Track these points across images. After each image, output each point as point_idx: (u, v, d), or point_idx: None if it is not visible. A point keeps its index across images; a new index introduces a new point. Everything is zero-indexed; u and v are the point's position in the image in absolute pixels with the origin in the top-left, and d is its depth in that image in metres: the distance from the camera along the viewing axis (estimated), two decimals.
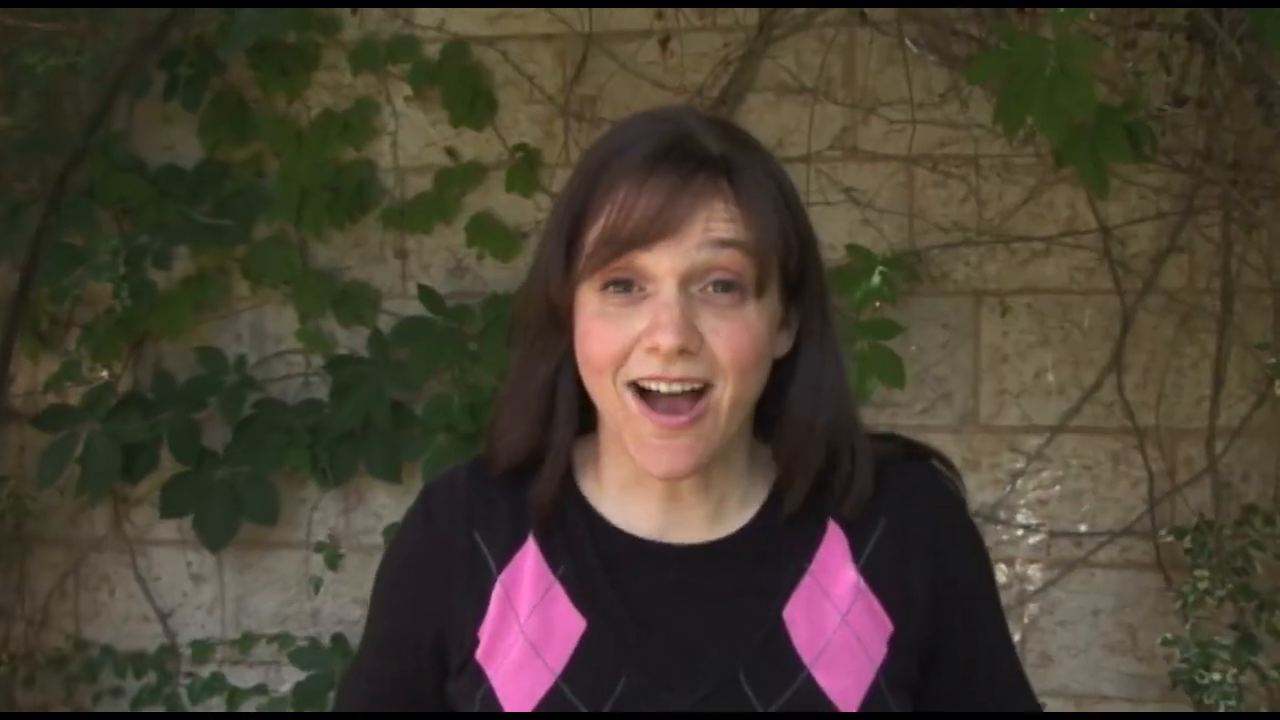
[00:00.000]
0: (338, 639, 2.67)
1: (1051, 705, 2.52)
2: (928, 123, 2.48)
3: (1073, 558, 2.50)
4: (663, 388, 0.98)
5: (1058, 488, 2.51)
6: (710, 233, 0.97)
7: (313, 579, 2.64)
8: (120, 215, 2.66)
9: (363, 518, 2.73)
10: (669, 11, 2.49)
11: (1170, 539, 2.38)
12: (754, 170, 1.01)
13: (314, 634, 2.72)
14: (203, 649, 2.76)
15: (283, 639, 2.71)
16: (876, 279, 2.42)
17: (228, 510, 2.61)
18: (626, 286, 0.98)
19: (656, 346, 0.96)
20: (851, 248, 2.44)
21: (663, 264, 0.97)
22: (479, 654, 1.04)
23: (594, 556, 1.05)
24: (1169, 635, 2.31)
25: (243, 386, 2.63)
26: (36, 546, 2.79)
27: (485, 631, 1.04)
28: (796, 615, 1.03)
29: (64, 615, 2.83)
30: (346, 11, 2.60)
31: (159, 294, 2.62)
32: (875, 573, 1.05)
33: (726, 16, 2.52)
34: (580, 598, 1.03)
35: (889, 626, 1.04)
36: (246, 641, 2.74)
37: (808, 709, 1.00)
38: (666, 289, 0.97)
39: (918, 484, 1.09)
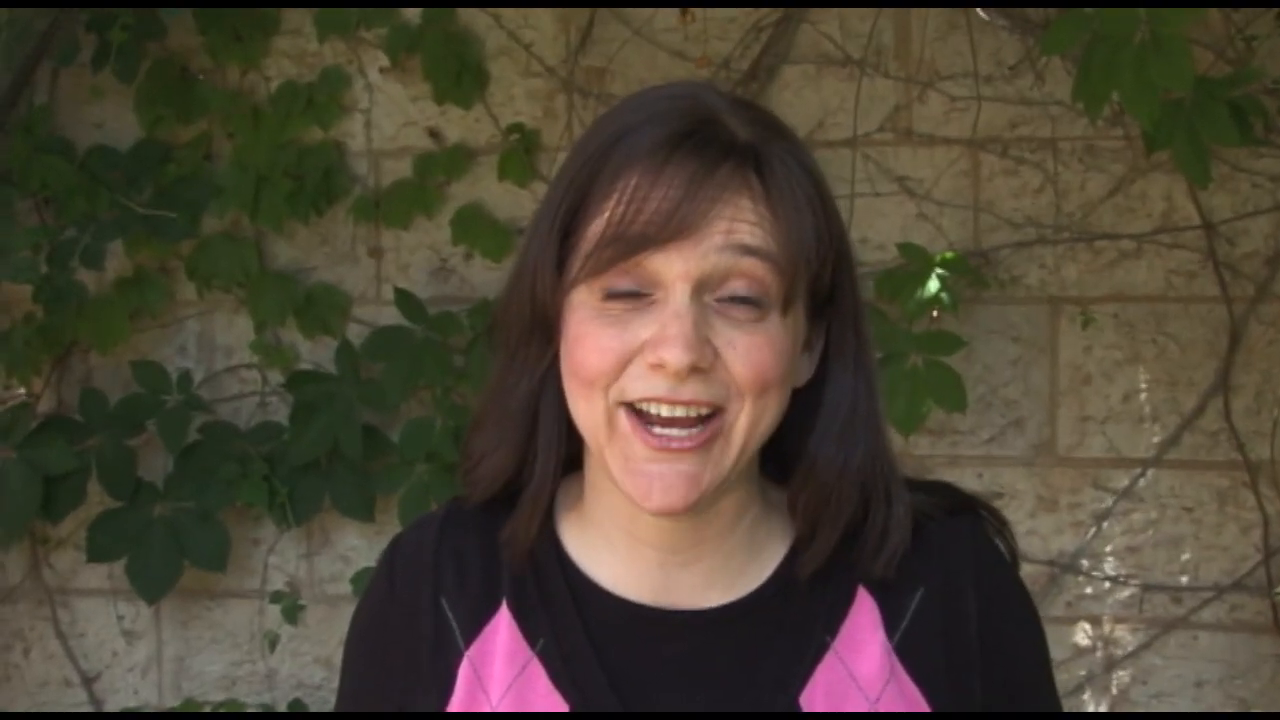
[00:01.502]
0: (295, 705, 2.37)
1: None
2: (996, 100, 2.24)
3: (1171, 617, 2.22)
4: (664, 410, 0.88)
5: (1152, 532, 2.23)
6: (733, 235, 0.88)
7: (268, 634, 2.39)
8: (42, 204, 2.41)
9: (328, 562, 2.45)
10: None
11: None
12: (787, 162, 0.91)
13: (268, 700, 2.44)
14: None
15: (231, 705, 2.43)
16: (934, 283, 2.19)
17: (168, 554, 2.34)
18: (630, 294, 0.89)
19: (663, 363, 0.86)
20: (905, 247, 2.22)
21: (675, 267, 0.88)
22: None
23: (578, 627, 0.96)
24: None
25: (187, 407, 2.38)
26: None
27: (452, 711, 0.96)
28: (816, 700, 0.94)
29: None
30: None
31: (88, 298, 2.38)
32: (911, 649, 0.96)
33: None
34: (562, 678, 0.94)
35: (925, 709, 0.96)
36: (188, 709, 2.44)
37: None
38: (678, 296, 0.87)
39: (962, 544, 0.99)
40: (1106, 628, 2.23)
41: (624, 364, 0.89)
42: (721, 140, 0.89)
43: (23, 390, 2.41)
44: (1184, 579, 2.20)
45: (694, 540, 0.95)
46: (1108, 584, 2.22)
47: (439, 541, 0.99)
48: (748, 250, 0.88)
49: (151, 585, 2.33)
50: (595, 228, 0.89)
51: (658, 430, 0.89)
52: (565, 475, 0.98)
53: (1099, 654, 2.22)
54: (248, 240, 2.40)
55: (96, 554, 2.35)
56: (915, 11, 2.27)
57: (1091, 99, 1.89)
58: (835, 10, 2.29)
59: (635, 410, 0.89)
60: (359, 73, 2.39)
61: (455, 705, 0.95)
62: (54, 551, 2.49)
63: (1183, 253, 2.18)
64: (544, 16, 2.35)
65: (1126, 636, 2.22)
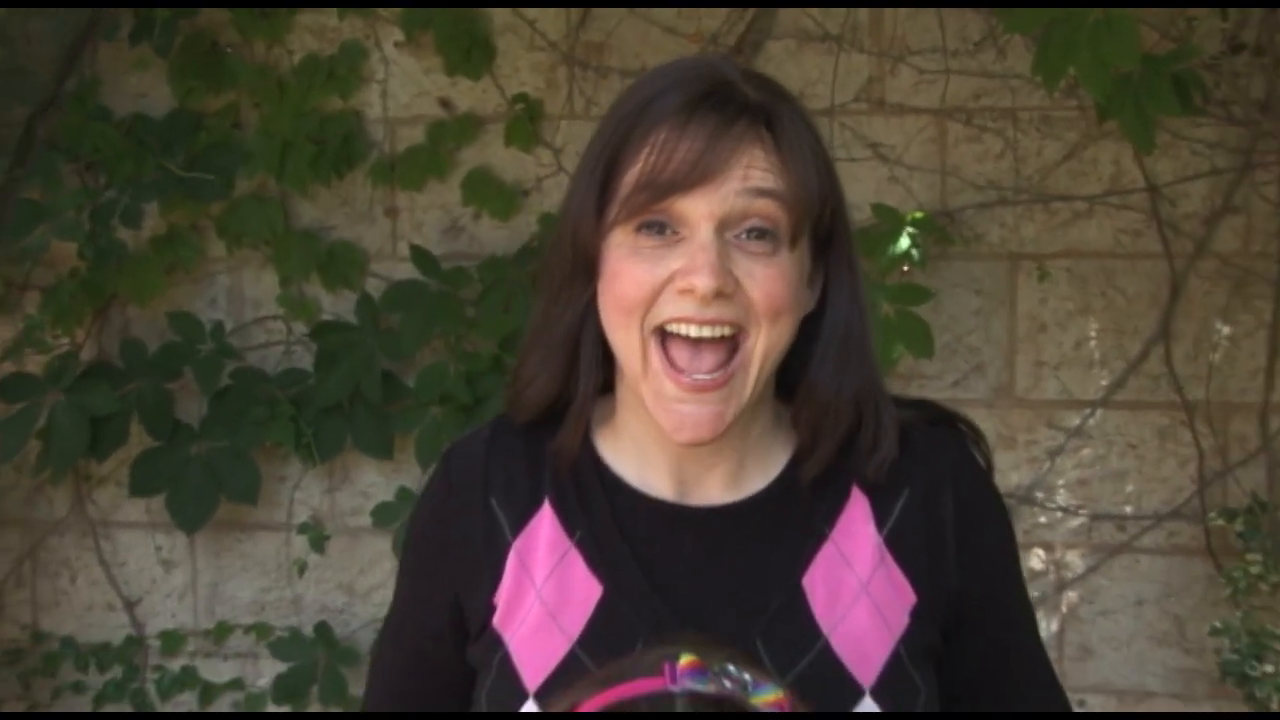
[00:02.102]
0: (321, 628, 2.57)
1: (1092, 702, 2.43)
2: (961, 73, 2.41)
3: (1116, 543, 2.43)
4: (693, 331, 1.00)
5: (1099, 467, 2.44)
6: (749, 180, 1.00)
7: (296, 563, 2.58)
8: (84, 169, 2.55)
9: (349, 497, 2.64)
10: None
11: (1221, 522, 2.33)
12: (793, 119, 1.03)
13: (295, 623, 2.64)
14: (173, 640, 2.66)
15: (260, 629, 2.63)
16: (904, 241, 2.36)
17: (204, 489, 2.53)
18: (661, 229, 1.01)
19: (692, 288, 0.98)
20: (878, 207, 2.39)
21: (700, 208, 0.99)
22: (495, 620, 1.07)
23: (610, 520, 1.07)
24: (1218, 624, 2.24)
25: (220, 355, 2.54)
26: None
27: (501, 598, 1.07)
28: (816, 582, 1.05)
29: (20, 604, 2.74)
30: None
31: (127, 255, 2.54)
32: (898, 541, 1.07)
33: None
34: (597, 563, 1.05)
35: (911, 597, 1.06)
36: (221, 632, 2.66)
37: (824, 678, 1.02)
38: (703, 233, 0.99)
39: (944, 451, 1.11)
40: (1059, 553, 2.44)
41: (657, 293, 1.00)
42: (737, 100, 1.01)
43: (68, 340, 2.57)
44: (1128, 509, 2.41)
45: (711, 450, 1.06)
46: (1059, 514, 2.42)
47: (488, 452, 1.11)
48: (762, 192, 0.99)
49: (189, 518, 2.52)
50: (630, 177, 1.01)
51: (686, 372, 1.00)
52: (600, 396, 1.09)
53: (1051, 577, 2.43)
54: (274, 201, 2.56)
55: (138, 489, 2.54)
56: None
57: (1049, 73, 2.06)
58: None
59: (665, 336, 1.01)
60: (376, 47, 2.54)
61: (504, 592, 1.07)
62: (97, 488, 2.68)
63: (1130, 213, 2.37)
64: None
65: (1076, 561, 2.43)
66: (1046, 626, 2.43)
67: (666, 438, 1.03)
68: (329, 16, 2.54)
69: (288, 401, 2.50)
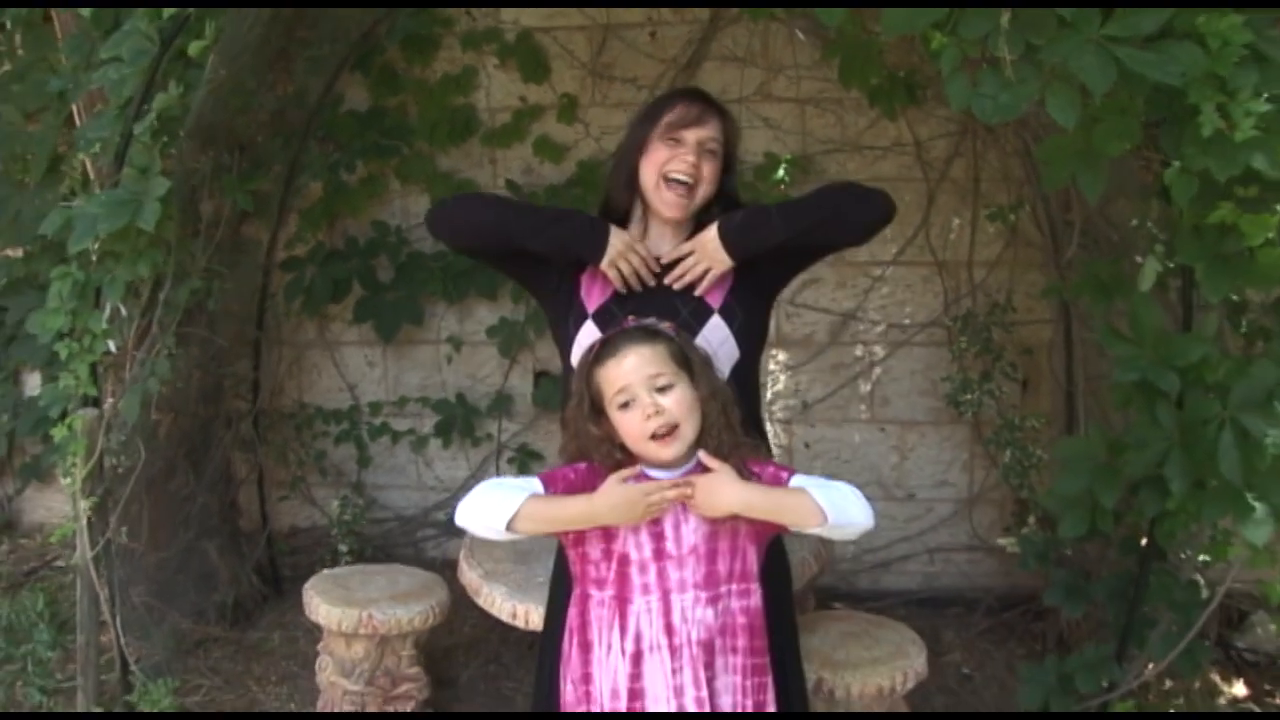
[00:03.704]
0: (459, 396, 4.56)
1: (890, 429, 4.37)
2: (810, 78, 4.26)
3: (900, 339, 4.32)
4: (684, 177, 2.35)
5: (891, 298, 4.33)
6: (710, 130, 2.37)
7: (447, 353, 4.52)
8: (320, 140, 4.49)
9: (472, 324, 4.59)
10: (654, 11, 4.27)
11: (950, 324, 4.20)
12: (727, 112, 2.45)
13: (443, 395, 4.61)
14: (375, 406, 4.64)
15: (424, 399, 4.59)
16: (781, 171, 4.23)
17: (393, 318, 4.48)
18: (675, 142, 2.35)
19: (684, 161, 2.36)
20: (767, 154, 4.24)
21: (693, 136, 2.36)
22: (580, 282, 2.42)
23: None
24: (946, 375, 4.14)
25: (400, 244, 4.49)
26: (275, 346, 4.67)
27: (584, 278, 2.39)
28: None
29: (291, 388, 4.72)
30: (460, 11, 4.40)
31: (347, 188, 4.46)
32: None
33: (690, 14, 4.30)
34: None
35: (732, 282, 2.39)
36: (402, 401, 4.62)
37: (699, 312, 2.33)
38: (692, 143, 2.36)
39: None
40: (870, 346, 4.34)
41: (669, 161, 2.31)
42: (707, 100, 2.39)
43: (315, 237, 4.55)
44: (907, 320, 4.31)
45: (674, 230, 2.38)
46: (869, 325, 4.35)
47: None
48: (713, 137, 2.34)
49: (386, 334, 4.48)
50: (667, 119, 2.33)
51: (675, 191, 2.31)
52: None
53: (865, 360, 4.34)
54: (427, 158, 4.48)
55: (358, 318, 4.48)
56: (771, 32, 4.32)
57: (847, 81, 3.98)
58: (730, 31, 4.33)
59: (666, 180, 2.32)
60: (482, 68, 4.42)
61: (585, 280, 2.37)
62: (333, 322, 4.66)
63: (905, 156, 4.20)
64: (579, 36, 4.40)
65: (880, 351, 4.33)
66: (863, 389, 4.38)
67: (662, 220, 2.38)
68: (456, 52, 4.45)
69: (439, 269, 4.45)
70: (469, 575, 3.05)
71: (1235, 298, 2.92)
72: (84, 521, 3.01)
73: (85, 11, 3.30)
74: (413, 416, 4.65)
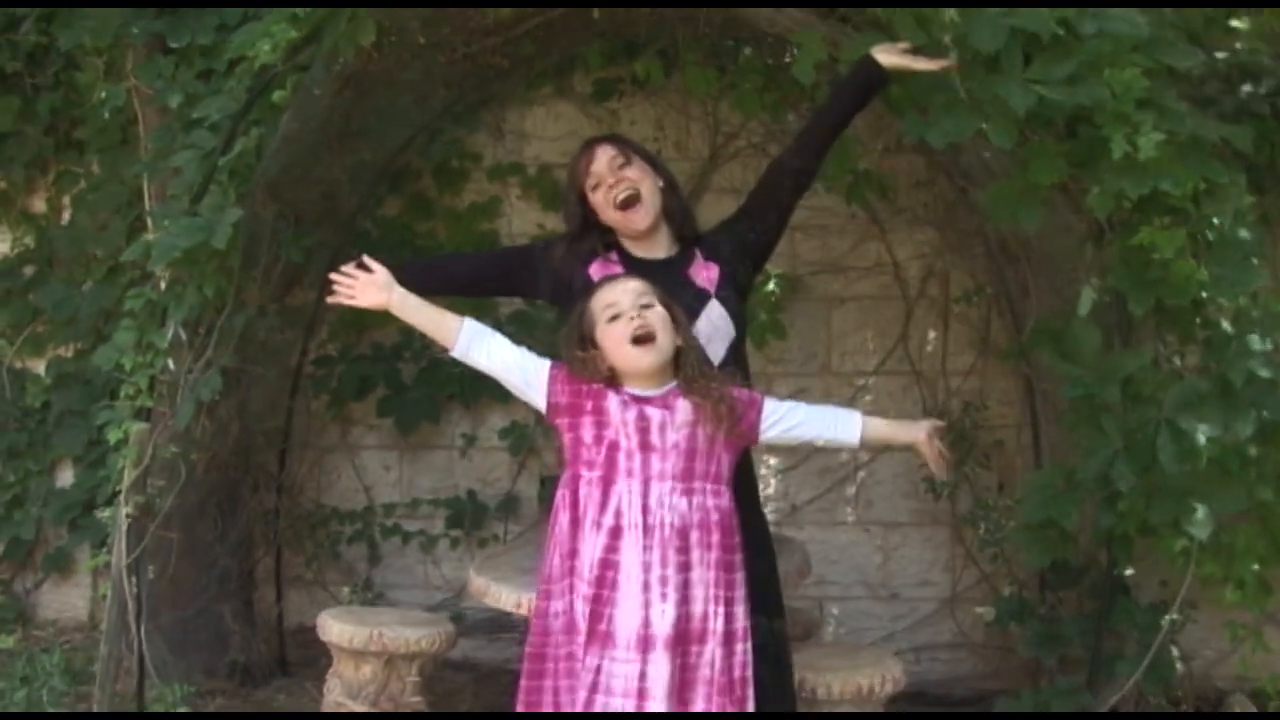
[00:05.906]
0: (470, 493, 4.93)
1: (874, 529, 4.70)
2: (800, 207, 4.77)
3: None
4: (623, 193, 2.95)
5: (875, 404, 4.75)
6: (605, 152, 3.01)
7: (461, 445, 4.95)
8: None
9: (485, 430, 5.00)
10: (658, 147, 4.90)
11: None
12: (610, 135, 3.22)
13: (453, 495, 4.98)
14: (389, 508, 5.01)
15: (435, 501, 4.97)
16: (772, 284, 4.74)
17: (413, 416, 4.91)
18: (598, 180, 3.00)
19: (612, 186, 3.01)
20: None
21: (601, 167, 2.98)
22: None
23: (621, 262, 2.96)
24: (926, 473, 4.52)
25: (424, 349, 4.95)
26: (296, 449, 5.06)
27: (594, 267, 2.99)
28: (696, 276, 2.96)
29: (310, 489, 5.09)
30: (486, 145, 5.03)
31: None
32: (715, 256, 3.01)
33: (692, 151, 4.92)
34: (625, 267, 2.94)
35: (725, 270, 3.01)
36: (415, 504, 4.99)
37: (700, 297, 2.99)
38: (605, 171, 2.99)
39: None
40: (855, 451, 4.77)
41: (606, 193, 2.94)
42: (591, 141, 3.07)
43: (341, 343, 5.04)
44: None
45: (647, 239, 3.04)
46: None
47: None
48: (613, 152, 2.98)
49: (405, 428, 4.88)
50: (583, 185, 2.99)
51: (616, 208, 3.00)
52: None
53: (850, 463, 4.75)
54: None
55: (381, 412, 4.89)
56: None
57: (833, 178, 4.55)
58: (735, 160, 4.94)
59: (618, 207, 2.95)
60: (505, 198, 5.00)
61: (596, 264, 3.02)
62: (354, 426, 5.06)
63: (884, 276, 4.74)
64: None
65: (864, 455, 4.76)
66: (849, 491, 4.73)
67: (644, 230, 2.98)
68: (482, 183, 5.05)
69: (456, 373, 4.90)
70: (477, 581, 3.36)
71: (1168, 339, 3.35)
72: (124, 526, 3.35)
73: (172, 103, 3.88)
74: (424, 519, 5.00)
